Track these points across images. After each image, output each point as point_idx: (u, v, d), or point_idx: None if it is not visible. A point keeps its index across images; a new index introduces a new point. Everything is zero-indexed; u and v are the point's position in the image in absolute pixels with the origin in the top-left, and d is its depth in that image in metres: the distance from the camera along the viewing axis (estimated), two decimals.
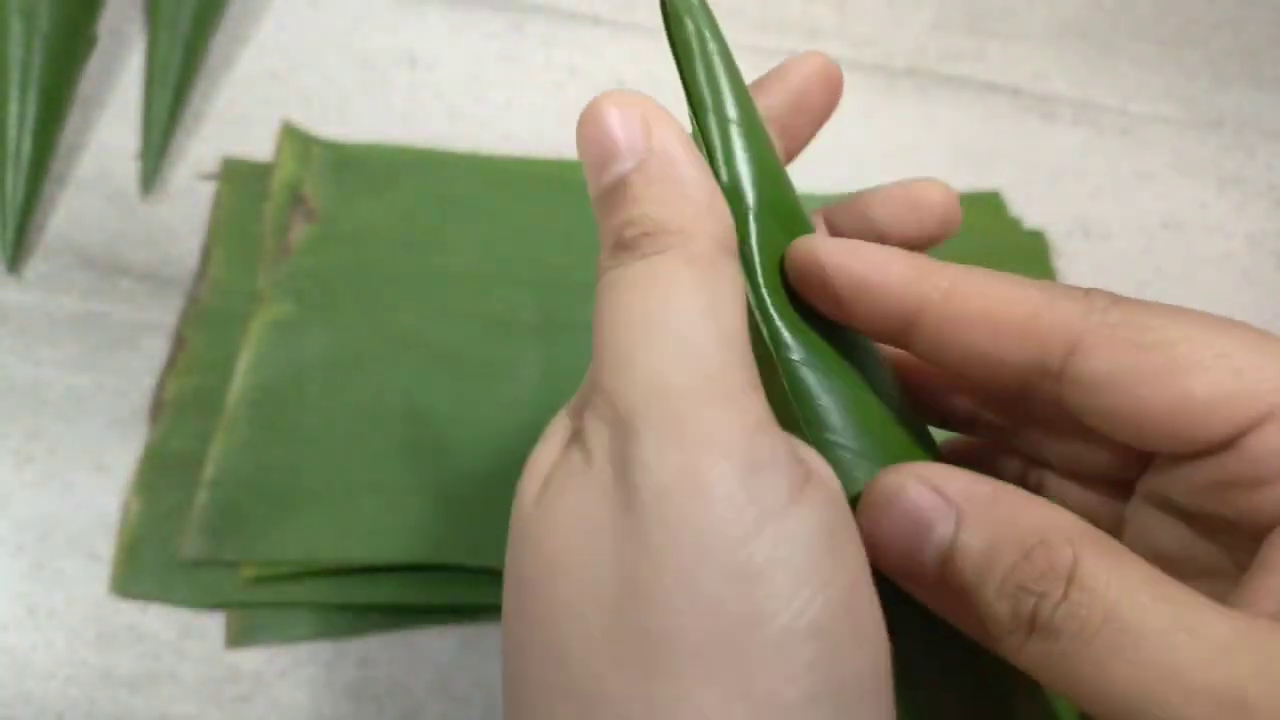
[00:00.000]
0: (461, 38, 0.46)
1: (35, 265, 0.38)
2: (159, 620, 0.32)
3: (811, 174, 0.44)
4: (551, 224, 0.40)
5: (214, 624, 0.32)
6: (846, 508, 0.13)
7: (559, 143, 0.43)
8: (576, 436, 0.14)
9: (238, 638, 0.32)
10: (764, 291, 0.15)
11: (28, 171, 0.38)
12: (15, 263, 0.38)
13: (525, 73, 0.45)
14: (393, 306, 0.37)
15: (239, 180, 0.40)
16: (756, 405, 0.12)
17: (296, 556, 0.32)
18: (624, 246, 0.13)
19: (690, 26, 0.18)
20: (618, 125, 0.13)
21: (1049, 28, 0.50)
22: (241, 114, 0.42)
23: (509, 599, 0.13)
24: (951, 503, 0.13)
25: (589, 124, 0.14)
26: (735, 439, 0.12)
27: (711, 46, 0.18)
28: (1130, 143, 0.47)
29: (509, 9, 0.47)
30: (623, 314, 0.12)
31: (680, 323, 0.12)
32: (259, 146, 0.41)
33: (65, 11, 0.40)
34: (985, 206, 0.44)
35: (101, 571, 0.32)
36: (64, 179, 0.40)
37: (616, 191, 0.13)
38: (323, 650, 0.32)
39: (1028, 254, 0.43)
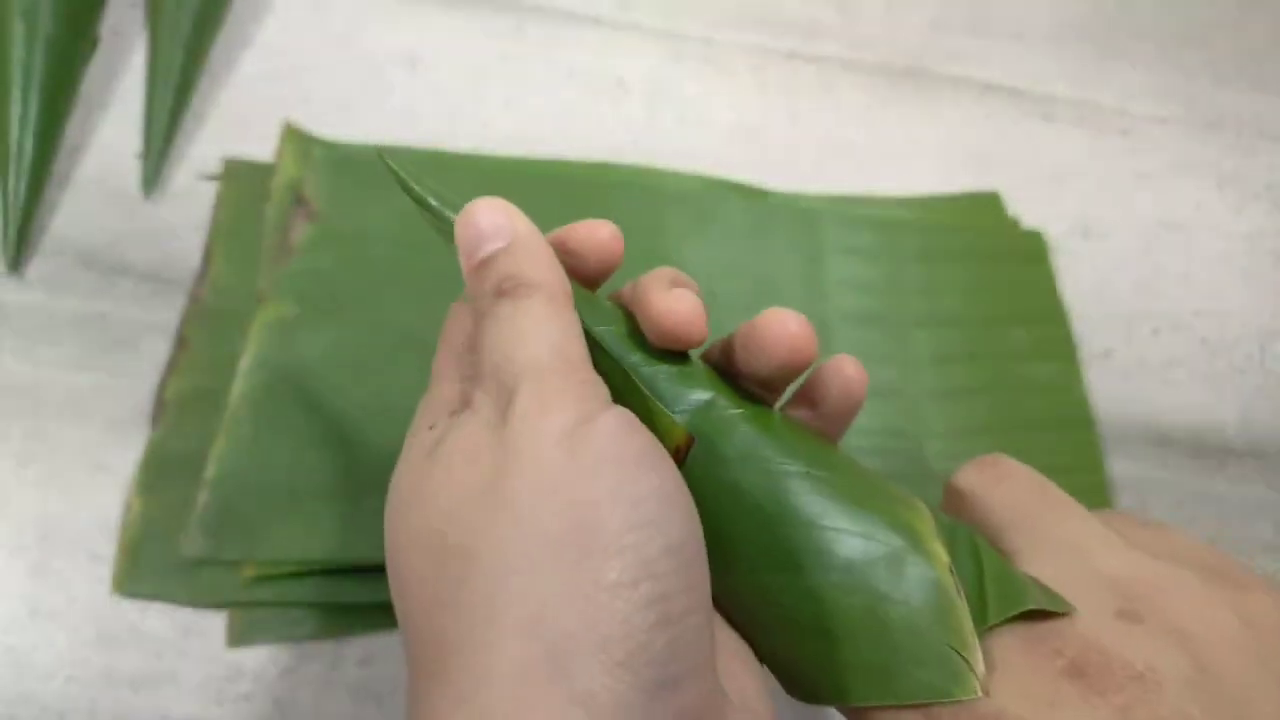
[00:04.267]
0: (462, 38, 0.46)
1: (37, 265, 0.38)
2: (160, 620, 0.32)
3: (812, 175, 0.44)
4: (550, 223, 0.40)
5: (215, 623, 0.32)
6: (655, 441, 0.18)
7: (558, 143, 0.43)
8: (459, 410, 0.19)
9: (239, 637, 0.32)
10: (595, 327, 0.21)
11: (30, 172, 0.38)
12: (17, 263, 0.38)
13: (525, 73, 0.45)
14: (393, 306, 0.37)
15: (240, 181, 0.40)
16: (597, 383, 0.18)
17: (298, 556, 0.32)
18: (503, 293, 0.19)
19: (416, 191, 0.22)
20: (490, 218, 0.20)
21: (1049, 28, 0.51)
22: (243, 114, 0.42)
23: (396, 530, 0.18)
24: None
25: (468, 221, 0.20)
26: (578, 394, 0.18)
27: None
28: (1130, 143, 0.47)
29: (509, 9, 0.47)
30: (508, 332, 0.18)
31: (547, 333, 0.18)
32: (260, 147, 0.41)
33: (67, 12, 0.40)
34: (984, 207, 0.44)
35: (103, 571, 0.32)
36: (66, 179, 0.40)
37: (494, 259, 0.19)
38: (324, 649, 0.32)
39: (1027, 254, 0.43)
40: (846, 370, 0.21)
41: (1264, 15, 0.52)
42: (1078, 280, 0.43)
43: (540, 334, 0.18)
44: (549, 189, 0.41)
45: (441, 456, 0.18)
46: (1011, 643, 0.18)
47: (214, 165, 0.41)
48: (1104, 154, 0.47)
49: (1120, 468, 0.39)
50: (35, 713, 0.30)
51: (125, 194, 0.40)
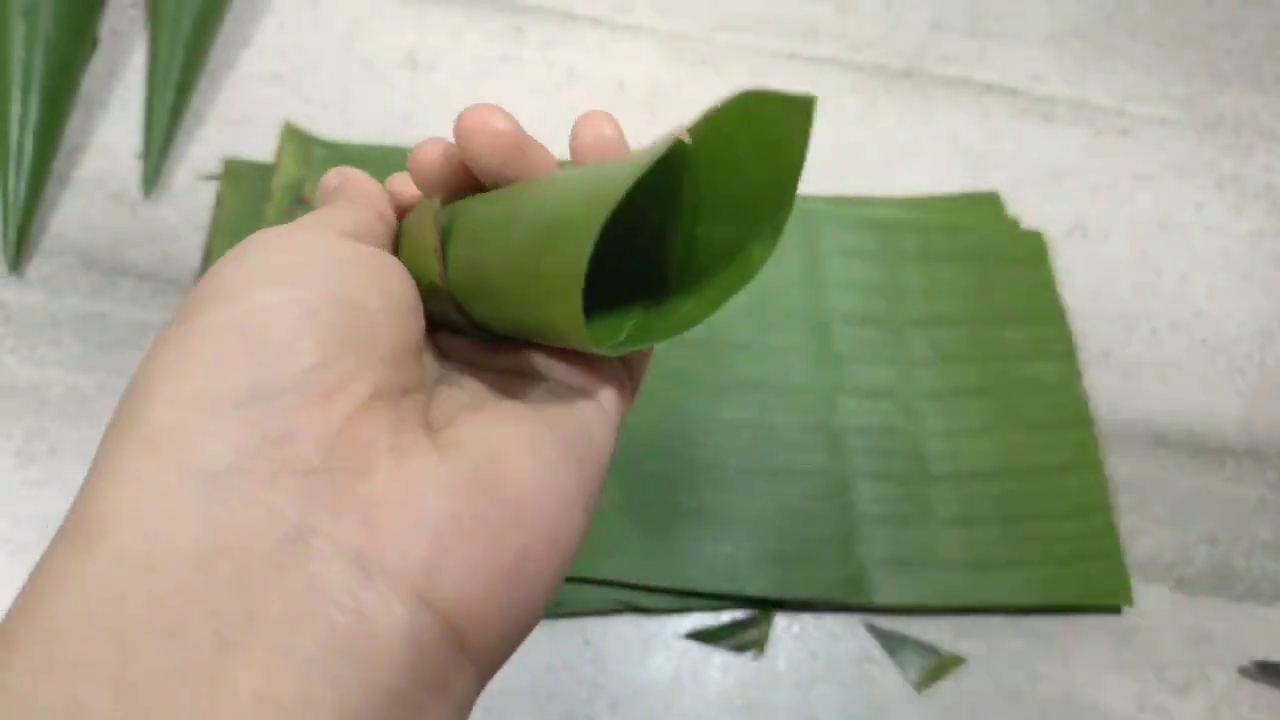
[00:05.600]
0: (462, 39, 0.46)
1: (38, 265, 0.38)
2: None
3: (812, 174, 0.45)
4: None
5: None
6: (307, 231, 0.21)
7: (559, 143, 0.43)
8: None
9: None
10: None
11: (30, 172, 0.38)
12: (18, 263, 0.38)
13: (525, 74, 0.46)
14: None
15: (240, 180, 0.40)
16: (326, 236, 0.21)
17: None
18: (327, 201, 0.24)
19: None
20: (334, 176, 0.25)
21: (1047, 29, 0.51)
22: (243, 114, 0.42)
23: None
24: None
25: (323, 180, 0.25)
26: (287, 231, 0.21)
27: None
28: (1128, 143, 0.47)
29: (509, 10, 0.47)
30: (314, 215, 0.22)
31: (324, 214, 0.22)
32: (260, 147, 0.41)
33: (67, 13, 0.40)
34: (984, 207, 0.44)
35: None
36: (66, 179, 0.40)
37: (333, 191, 0.24)
38: None
39: (1026, 254, 0.43)
40: (595, 121, 0.22)
41: (1262, 15, 0.52)
42: (1077, 280, 0.43)
43: (320, 214, 0.22)
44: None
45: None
46: None
47: (214, 165, 0.41)
48: (1103, 154, 0.47)
49: (1120, 468, 0.39)
50: None
51: (126, 194, 0.40)
